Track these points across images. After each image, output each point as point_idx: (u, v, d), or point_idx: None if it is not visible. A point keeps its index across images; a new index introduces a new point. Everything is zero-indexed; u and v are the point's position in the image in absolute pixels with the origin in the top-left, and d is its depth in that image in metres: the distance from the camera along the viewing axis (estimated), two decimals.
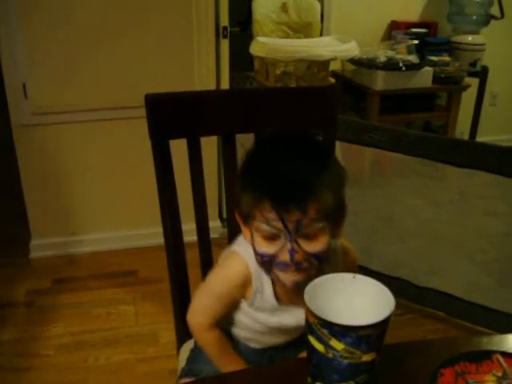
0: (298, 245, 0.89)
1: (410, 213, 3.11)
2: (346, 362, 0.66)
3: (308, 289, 0.68)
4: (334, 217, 0.92)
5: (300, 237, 0.89)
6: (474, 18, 3.74)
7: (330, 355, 0.65)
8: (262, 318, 1.05)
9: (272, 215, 0.87)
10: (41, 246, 2.69)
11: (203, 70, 2.51)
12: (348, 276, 0.73)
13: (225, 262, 1.06)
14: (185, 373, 1.17)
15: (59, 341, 2.15)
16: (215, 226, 2.63)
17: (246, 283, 1.02)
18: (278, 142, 0.95)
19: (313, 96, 1.33)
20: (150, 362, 2.03)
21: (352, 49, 3.04)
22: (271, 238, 0.90)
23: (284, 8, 3.30)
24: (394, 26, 3.88)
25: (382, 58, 3.38)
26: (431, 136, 2.28)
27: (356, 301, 0.71)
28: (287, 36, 3.36)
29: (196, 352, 1.18)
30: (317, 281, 0.71)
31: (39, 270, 2.62)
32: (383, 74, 3.33)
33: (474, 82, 3.67)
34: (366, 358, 0.66)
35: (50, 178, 2.59)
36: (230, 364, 1.05)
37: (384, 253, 2.63)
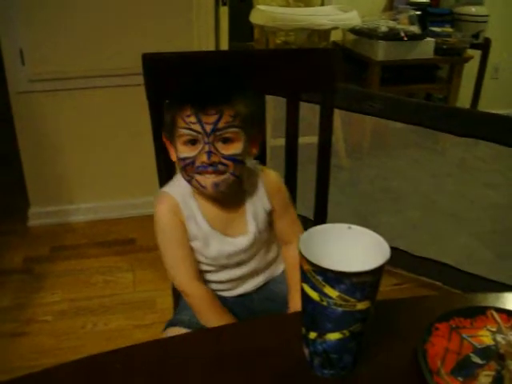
0: (215, 148, 1.00)
1: (409, 184, 3.11)
2: (340, 309, 0.65)
3: (303, 237, 0.68)
4: (249, 128, 1.04)
5: (216, 140, 1.00)
6: None
7: (325, 303, 0.65)
8: (204, 249, 1.12)
9: (191, 119, 0.99)
10: (39, 214, 2.69)
11: (202, 36, 2.47)
12: (343, 226, 0.72)
13: (154, 209, 1.12)
14: (172, 323, 1.18)
15: (57, 307, 2.15)
16: None
17: (176, 212, 1.10)
18: (203, 67, 1.09)
19: (313, 58, 1.31)
20: (148, 328, 2.03)
21: (353, 18, 3.00)
22: (191, 142, 1.01)
23: None
24: None
25: (384, 28, 3.35)
26: (431, 104, 2.27)
27: (351, 250, 0.70)
28: (288, 5, 3.32)
29: (184, 303, 1.19)
30: (311, 230, 0.70)
31: (37, 238, 2.62)
32: (384, 44, 3.30)
33: (476, 54, 3.63)
34: (361, 306, 0.65)
35: (48, 147, 2.58)
36: (219, 320, 1.09)
37: (382, 223, 2.63)
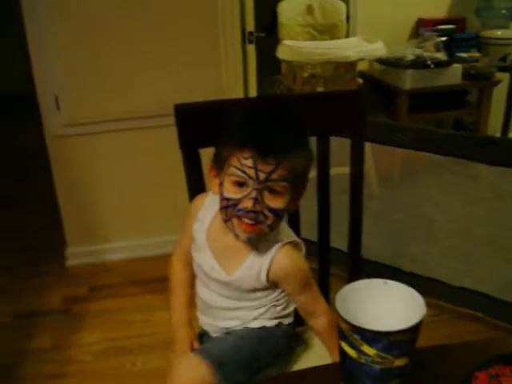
0: (262, 196, 0.99)
1: (443, 211, 3.07)
2: (378, 367, 0.66)
3: (339, 295, 0.69)
4: (297, 184, 1.04)
5: (265, 189, 0.99)
6: (503, 12, 3.69)
7: (363, 360, 0.66)
8: (196, 258, 1.16)
9: (248, 162, 0.97)
10: (76, 254, 2.74)
11: (231, 76, 2.53)
12: (379, 282, 0.73)
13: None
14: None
15: (96, 347, 2.18)
16: None
17: (194, 212, 1.16)
18: (262, 110, 1.08)
19: (340, 100, 1.34)
20: None
21: (379, 49, 3.01)
22: (240, 184, 1.00)
23: (309, 10, 3.30)
24: (421, 23, 3.84)
25: (410, 57, 3.36)
26: (461, 134, 2.27)
27: (387, 306, 0.71)
28: (313, 38, 3.35)
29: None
30: (347, 288, 0.71)
31: (75, 278, 2.66)
32: (411, 72, 3.31)
33: (504, 77, 3.61)
34: (398, 362, 0.66)
35: (84, 187, 2.64)
36: (173, 311, 1.26)
37: (416, 252, 2.61)
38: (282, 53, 2.94)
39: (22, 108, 5.64)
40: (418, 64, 3.31)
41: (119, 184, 2.66)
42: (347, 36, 3.50)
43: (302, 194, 1.09)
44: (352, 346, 0.66)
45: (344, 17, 3.46)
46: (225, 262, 1.12)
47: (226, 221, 1.05)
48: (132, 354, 2.13)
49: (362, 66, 3.54)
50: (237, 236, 1.04)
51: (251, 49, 2.59)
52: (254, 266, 1.09)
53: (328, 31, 3.38)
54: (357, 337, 0.64)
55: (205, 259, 1.13)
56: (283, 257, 1.09)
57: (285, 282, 1.11)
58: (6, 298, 2.56)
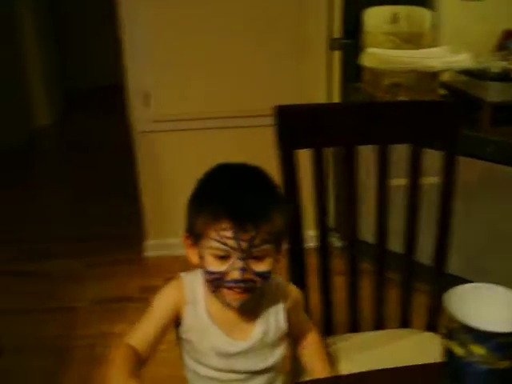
0: (248, 264, 0.95)
1: None
2: (484, 367, 0.68)
3: (449, 295, 0.71)
4: (280, 241, 1.01)
5: (249, 257, 0.95)
6: None
7: (470, 360, 0.68)
8: (197, 344, 1.05)
9: (227, 233, 0.93)
10: (154, 246, 2.83)
11: (313, 82, 2.56)
12: (487, 286, 0.75)
13: (165, 286, 1.10)
14: None
15: (171, 336, 2.25)
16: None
17: (178, 300, 1.06)
18: (228, 170, 1.03)
19: (435, 110, 1.34)
20: None
21: (465, 60, 2.98)
22: (222, 256, 0.95)
23: (395, 18, 3.30)
24: (507, 35, 3.76)
25: (495, 69, 3.28)
26: None
27: (493, 309, 0.73)
28: (396, 47, 3.34)
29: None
30: (457, 289, 0.73)
31: (152, 269, 2.76)
32: (496, 85, 3.23)
33: None
34: (505, 364, 0.68)
35: (166, 182, 2.73)
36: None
37: (498, 269, 2.54)
38: (367, 60, 2.94)
39: (105, 102, 5.90)
40: (504, 76, 3.24)
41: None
42: (431, 46, 3.47)
43: (282, 247, 1.05)
44: (461, 345, 0.68)
45: (429, 26, 3.43)
46: (237, 331, 1.06)
47: (214, 291, 1.01)
48: None
49: (444, 77, 3.50)
50: (228, 305, 1.02)
51: (336, 55, 2.62)
52: (271, 313, 1.09)
53: (412, 40, 3.36)
54: (467, 336, 0.66)
55: (214, 340, 1.05)
56: (292, 290, 1.15)
57: (296, 310, 1.14)
58: (84, 284, 2.68)
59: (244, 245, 0.94)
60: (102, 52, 6.15)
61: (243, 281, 0.96)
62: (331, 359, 1.23)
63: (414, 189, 1.33)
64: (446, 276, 1.39)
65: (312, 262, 1.37)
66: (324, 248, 1.35)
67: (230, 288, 0.98)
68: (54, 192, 3.98)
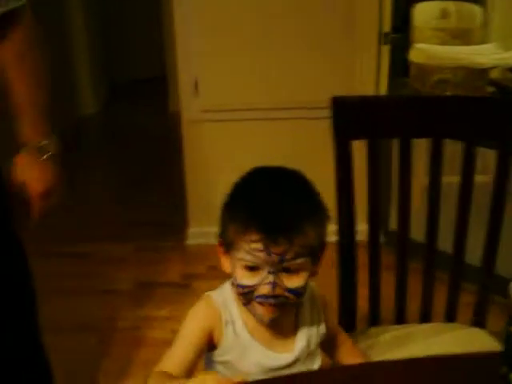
0: (279, 278, 0.90)
1: None
2: None
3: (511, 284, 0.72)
4: (316, 253, 0.95)
5: (281, 270, 0.90)
6: None
7: None
8: (238, 363, 0.99)
9: (257, 245, 0.88)
10: (196, 234, 2.86)
11: (364, 75, 2.56)
12: None
13: (194, 305, 1.02)
14: None
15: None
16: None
17: (213, 321, 0.98)
18: (265, 175, 0.98)
19: (490, 107, 1.34)
20: None
21: None
22: (253, 269, 0.90)
23: (444, 14, 3.26)
24: None
25: None
26: None
27: None
28: (445, 43, 3.30)
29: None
30: None
31: (194, 256, 2.80)
32: None
33: None
34: None
35: (211, 171, 2.75)
36: None
37: None
38: (415, 55, 2.92)
39: (148, 93, 5.98)
40: None
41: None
42: (480, 42, 3.42)
43: (322, 258, 0.99)
44: None
45: (479, 22, 3.38)
46: (280, 344, 1.02)
47: (246, 304, 0.96)
48: None
49: (493, 74, 3.44)
50: (260, 320, 0.97)
51: (386, 50, 2.61)
52: (312, 320, 1.05)
53: (461, 36, 3.31)
54: None
55: (257, 357, 0.99)
56: (315, 288, 1.09)
57: (327, 312, 1.11)
58: (130, 268, 2.74)
59: (276, 258, 0.88)
60: (144, 45, 6.25)
61: (273, 296, 0.90)
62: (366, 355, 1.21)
63: (465, 186, 1.32)
64: (495, 277, 1.37)
65: (361, 257, 1.37)
66: (375, 243, 1.35)
67: (260, 303, 0.92)
68: (99, 178, 4.08)
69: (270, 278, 0.89)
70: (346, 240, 1.33)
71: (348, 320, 1.38)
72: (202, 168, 2.75)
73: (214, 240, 2.89)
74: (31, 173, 1.21)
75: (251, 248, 0.88)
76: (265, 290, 0.90)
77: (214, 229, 2.97)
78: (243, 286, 0.92)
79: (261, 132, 2.66)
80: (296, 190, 0.95)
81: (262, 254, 0.88)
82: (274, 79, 2.57)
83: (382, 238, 2.41)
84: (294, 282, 0.91)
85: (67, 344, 2.10)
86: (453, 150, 1.38)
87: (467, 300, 1.40)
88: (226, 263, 0.99)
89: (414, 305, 1.42)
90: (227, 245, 0.95)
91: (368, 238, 1.35)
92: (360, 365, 1.02)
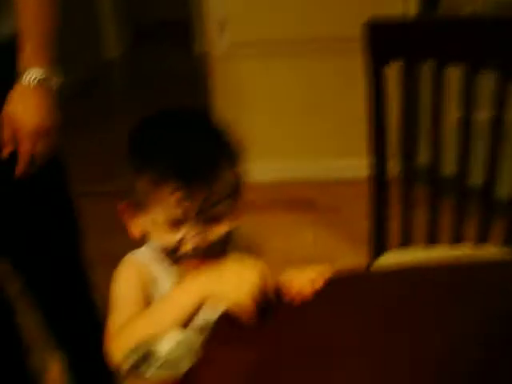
0: (204, 229, 0.82)
1: None
2: None
3: None
4: (235, 196, 0.87)
5: (205, 220, 0.82)
6: None
7: None
8: None
9: (176, 195, 0.79)
10: None
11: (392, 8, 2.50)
12: None
13: (121, 267, 0.91)
14: None
15: None
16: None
17: (144, 277, 0.90)
18: (172, 119, 0.90)
19: None
20: None
21: None
22: (174, 224, 0.82)
23: None
24: None
25: None
26: None
27: None
28: None
29: None
30: None
31: None
32: None
33: None
34: None
35: (240, 107, 2.74)
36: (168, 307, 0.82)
37: None
38: None
39: (172, 35, 5.94)
40: None
41: (275, 105, 2.74)
42: None
43: (239, 199, 0.90)
44: None
45: None
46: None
47: (172, 264, 0.89)
48: (270, 268, 2.24)
49: None
50: (188, 271, 0.87)
51: None
52: None
53: None
54: None
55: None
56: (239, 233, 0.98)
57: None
58: None
59: (196, 205, 0.80)
60: None
61: (200, 249, 0.83)
62: None
63: (497, 121, 1.28)
64: None
65: (392, 192, 1.37)
66: (406, 177, 1.35)
67: (187, 259, 0.85)
68: (124, 119, 4.09)
69: (195, 230, 0.82)
70: (378, 174, 1.33)
71: (378, 254, 1.39)
72: (230, 103, 2.73)
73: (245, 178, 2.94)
74: (23, 105, 1.08)
75: (170, 200, 0.80)
76: (191, 244, 0.83)
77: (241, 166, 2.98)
78: (165, 246, 0.85)
79: (290, 66, 2.64)
80: (208, 131, 0.88)
81: (182, 205, 0.80)
82: (301, 10, 2.53)
83: (412, 174, 2.42)
84: (219, 228, 0.84)
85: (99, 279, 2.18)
86: (486, 85, 1.34)
87: (497, 233, 1.39)
88: (135, 228, 0.90)
89: (444, 239, 1.42)
90: (137, 204, 0.86)
91: (399, 172, 1.35)
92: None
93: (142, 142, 0.87)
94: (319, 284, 0.84)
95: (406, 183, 1.35)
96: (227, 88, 2.70)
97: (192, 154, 0.82)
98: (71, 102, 4.46)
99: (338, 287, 0.86)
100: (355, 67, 1.34)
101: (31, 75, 1.08)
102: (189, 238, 0.82)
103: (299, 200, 2.66)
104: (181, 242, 0.83)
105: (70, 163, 1.34)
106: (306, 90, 2.69)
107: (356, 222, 2.09)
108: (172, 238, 0.83)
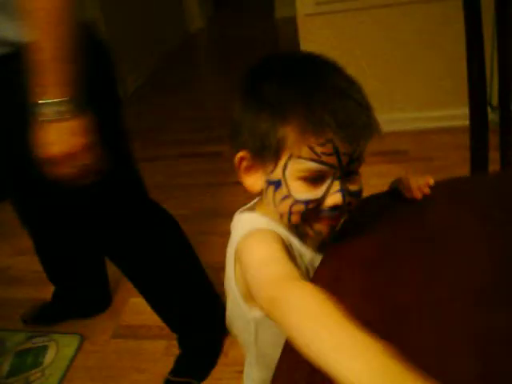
0: (345, 184, 0.75)
1: None
2: None
3: None
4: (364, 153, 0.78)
5: (344, 176, 0.75)
6: None
7: None
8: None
9: (327, 148, 0.71)
10: None
11: None
12: None
13: (254, 237, 0.77)
14: None
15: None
16: None
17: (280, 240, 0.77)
18: (311, 64, 0.78)
19: None
20: None
21: None
22: (315, 179, 0.74)
23: None
24: None
25: None
26: None
27: None
28: None
29: None
30: None
31: None
32: None
33: None
34: None
35: None
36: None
37: None
38: None
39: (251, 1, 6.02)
40: None
41: (363, 62, 2.75)
42: None
43: None
44: None
45: None
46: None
47: (299, 226, 0.79)
48: None
49: None
50: (318, 235, 0.80)
51: None
52: None
53: None
54: None
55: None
56: None
57: None
58: None
59: (345, 160, 0.73)
60: None
61: (342, 206, 0.76)
62: None
63: None
64: None
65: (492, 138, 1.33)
66: (506, 123, 1.29)
67: (323, 218, 0.77)
68: (212, 87, 4.27)
69: (339, 185, 0.75)
70: (477, 121, 1.30)
71: None
72: None
73: None
74: (36, 135, 1.02)
75: (318, 153, 0.71)
76: (335, 199, 0.75)
77: None
78: (307, 202, 0.75)
79: (377, 19, 2.64)
80: (351, 80, 0.77)
81: (331, 159, 0.72)
82: None
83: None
84: (355, 184, 0.77)
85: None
86: None
87: None
88: (256, 181, 0.80)
89: None
90: (266, 154, 0.75)
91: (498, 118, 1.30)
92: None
93: (278, 84, 0.74)
94: (427, 189, 0.91)
95: (504, 128, 1.30)
96: (315, 46, 2.74)
97: (349, 100, 0.72)
98: (164, 71, 4.69)
99: (448, 189, 0.94)
100: (448, 12, 1.29)
101: (38, 103, 1.00)
102: (331, 194, 0.74)
103: (392, 151, 2.70)
104: (322, 198, 0.75)
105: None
106: (393, 42, 2.69)
107: (450, 169, 2.13)
108: (311, 194, 0.74)
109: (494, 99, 1.36)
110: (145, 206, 1.50)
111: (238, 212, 0.87)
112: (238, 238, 0.77)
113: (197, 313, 1.71)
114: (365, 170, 1.87)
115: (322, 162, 0.72)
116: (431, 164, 2.52)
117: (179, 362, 1.75)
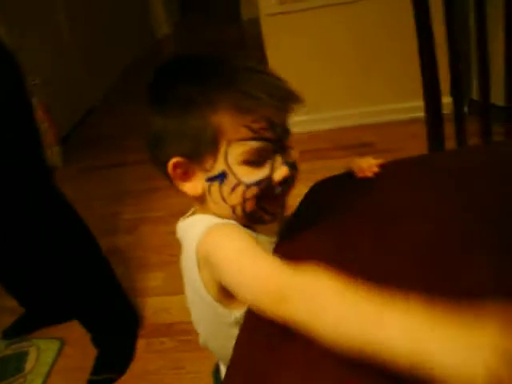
0: (285, 157, 0.76)
1: None
2: None
3: None
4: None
5: (282, 149, 0.77)
6: None
7: None
8: None
9: (263, 123, 0.73)
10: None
11: None
12: None
13: (219, 232, 0.75)
14: None
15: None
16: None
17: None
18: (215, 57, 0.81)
19: None
20: None
21: None
22: (258, 161, 0.75)
23: None
24: None
25: None
26: None
27: None
28: None
29: None
30: None
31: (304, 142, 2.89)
32: None
33: None
34: None
35: (293, 63, 2.79)
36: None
37: None
38: None
39: (218, 7, 6.04)
40: None
41: (328, 58, 2.81)
42: None
43: None
44: None
45: None
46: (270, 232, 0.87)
47: (254, 212, 0.78)
48: None
49: None
50: (273, 216, 0.80)
51: None
52: None
53: None
54: None
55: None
56: None
57: None
58: None
59: (279, 130, 0.74)
60: None
61: (291, 178, 0.77)
62: None
63: None
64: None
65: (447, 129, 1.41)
66: (459, 112, 1.37)
67: (276, 196, 0.78)
68: None
69: (281, 159, 0.76)
70: (432, 112, 1.37)
71: None
72: (284, 60, 2.80)
73: (299, 128, 2.99)
74: None
75: (255, 130, 0.72)
76: (282, 172, 0.75)
77: (300, 117, 3.02)
78: (258, 182, 0.75)
79: (339, 16, 2.69)
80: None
81: (268, 133, 0.73)
82: None
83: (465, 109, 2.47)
84: (293, 153, 0.78)
85: None
86: None
87: None
88: (194, 185, 0.79)
89: None
90: (203, 149, 0.74)
91: (452, 107, 1.38)
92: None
93: (202, 80, 0.75)
94: (376, 168, 0.98)
95: (459, 117, 1.38)
96: (280, 45, 2.79)
97: (271, 76, 0.76)
98: (131, 78, 4.69)
99: (396, 169, 1.01)
100: (406, 7, 1.36)
101: None
102: (277, 169, 0.75)
103: (359, 144, 2.76)
104: (270, 176, 0.75)
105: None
106: (354, 38, 2.76)
107: None
108: (259, 175, 0.75)
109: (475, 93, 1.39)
110: (46, 192, 1.58)
111: (181, 220, 0.85)
112: (194, 242, 0.75)
113: (103, 306, 1.78)
114: (334, 164, 1.95)
115: (261, 138, 0.73)
116: (398, 154, 2.56)
117: (97, 360, 1.80)
